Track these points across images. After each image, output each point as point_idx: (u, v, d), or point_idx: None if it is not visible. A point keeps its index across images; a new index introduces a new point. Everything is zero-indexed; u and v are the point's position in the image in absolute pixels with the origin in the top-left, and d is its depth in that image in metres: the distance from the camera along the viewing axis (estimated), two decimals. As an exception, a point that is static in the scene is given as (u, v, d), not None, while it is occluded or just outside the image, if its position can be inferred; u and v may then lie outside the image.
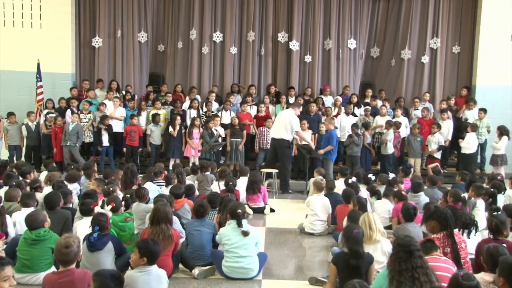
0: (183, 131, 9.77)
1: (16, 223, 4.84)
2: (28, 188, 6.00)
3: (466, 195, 5.89)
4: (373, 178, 6.99)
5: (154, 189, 6.28)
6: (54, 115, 9.81)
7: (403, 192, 5.96)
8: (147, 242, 3.65)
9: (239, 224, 4.47)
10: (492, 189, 5.95)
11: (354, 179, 6.57)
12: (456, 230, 4.04)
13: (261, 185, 7.11)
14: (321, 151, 8.74)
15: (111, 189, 5.68)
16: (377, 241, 4.07)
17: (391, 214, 5.91)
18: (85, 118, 9.81)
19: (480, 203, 5.62)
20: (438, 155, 9.54)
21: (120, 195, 5.56)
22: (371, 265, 3.72)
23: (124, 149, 9.71)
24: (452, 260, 3.72)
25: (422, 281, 3.05)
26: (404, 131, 9.81)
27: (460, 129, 9.83)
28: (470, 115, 10.11)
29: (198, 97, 10.91)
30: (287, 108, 9.80)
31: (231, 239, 4.44)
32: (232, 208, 4.65)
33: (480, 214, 5.47)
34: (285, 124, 8.40)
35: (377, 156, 9.98)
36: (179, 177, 6.76)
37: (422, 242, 3.63)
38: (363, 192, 6.38)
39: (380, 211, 6.02)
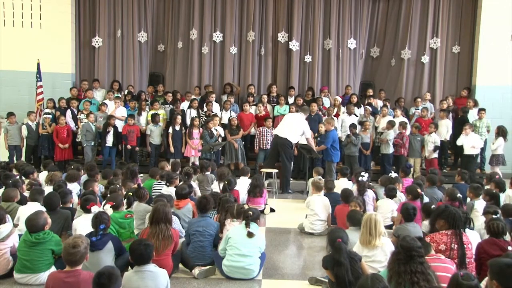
0: (183, 131, 9.77)
1: (21, 217, 4.88)
2: (24, 187, 6.01)
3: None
4: (366, 175, 6.64)
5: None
6: (49, 115, 9.81)
7: (418, 190, 5.82)
8: (133, 244, 3.65)
9: (247, 225, 4.50)
10: (494, 190, 5.94)
11: (365, 177, 6.45)
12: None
13: (263, 189, 7.10)
14: (316, 149, 8.73)
15: (118, 186, 5.71)
16: (376, 247, 4.04)
17: (393, 214, 5.90)
18: (85, 118, 9.80)
19: (479, 204, 5.61)
20: (435, 154, 9.53)
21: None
22: (360, 262, 3.72)
23: (129, 146, 9.65)
24: (458, 258, 3.72)
25: (422, 286, 3.04)
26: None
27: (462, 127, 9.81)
28: (470, 115, 10.11)
29: (198, 96, 10.92)
30: (289, 108, 9.98)
31: (235, 236, 4.46)
32: (244, 210, 4.72)
33: (479, 215, 5.46)
34: (296, 128, 8.42)
35: (374, 156, 9.98)
36: (185, 178, 6.76)
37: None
38: (369, 193, 6.33)
39: (383, 210, 6.02)
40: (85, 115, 9.81)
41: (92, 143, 9.45)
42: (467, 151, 9.27)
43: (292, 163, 9.03)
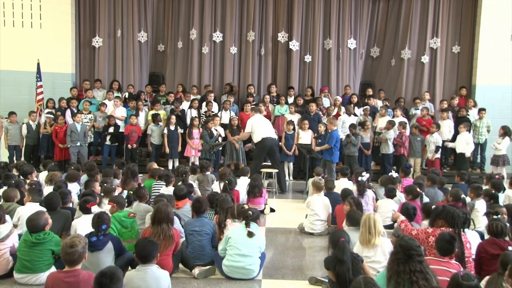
0: (179, 131, 9.77)
1: (20, 218, 4.90)
2: (26, 187, 6.00)
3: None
4: (366, 175, 6.61)
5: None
6: (52, 116, 9.82)
7: (418, 189, 5.84)
8: (140, 241, 3.70)
9: (247, 225, 4.51)
10: (493, 191, 5.95)
11: (365, 177, 6.45)
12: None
13: (262, 188, 7.10)
14: (317, 148, 8.72)
15: (113, 186, 5.70)
16: (376, 245, 4.04)
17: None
18: (85, 118, 9.80)
19: (479, 204, 5.62)
20: (437, 154, 9.53)
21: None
22: (362, 263, 3.74)
23: (130, 146, 9.59)
24: (456, 258, 3.73)
25: (421, 285, 3.04)
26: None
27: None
28: (470, 115, 10.11)
29: (198, 96, 10.91)
30: (289, 108, 10.16)
31: (235, 236, 4.47)
32: (243, 210, 4.73)
33: (479, 215, 5.47)
34: (272, 128, 8.71)
35: (374, 156, 10.00)
36: (183, 177, 6.75)
37: (439, 238, 3.60)
38: (369, 193, 6.32)
39: (383, 210, 6.02)
40: (85, 115, 9.81)
41: (78, 143, 9.32)
42: (458, 149, 9.34)
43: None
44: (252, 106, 9.47)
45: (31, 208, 4.89)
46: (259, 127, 8.44)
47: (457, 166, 9.25)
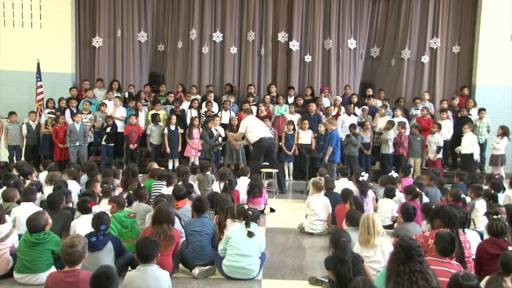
0: (180, 131, 9.76)
1: (16, 218, 4.89)
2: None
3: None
4: (366, 175, 6.61)
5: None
6: (53, 115, 9.82)
7: (417, 189, 5.86)
8: (141, 240, 3.71)
9: (247, 225, 4.51)
10: (492, 191, 5.95)
11: (365, 177, 6.45)
12: (460, 230, 4.07)
13: (262, 188, 7.10)
14: (326, 158, 8.53)
15: (111, 186, 5.70)
16: (375, 245, 4.04)
17: (393, 214, 5.90)
18: (85, 118, 9.80)
19: (479, 204, 5.62)
20: (439, 155, 9.52)
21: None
22: (363, 263, 3.75)
23: (132, 146, 9.57)
24: (456, 258, 3.73)
25: (420, 285, 3.04)
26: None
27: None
28: (472, 114, 10.10)
29: (199, 97, 10.92)
30: (289, 108, 10.16)
31: (235, 236, 4.46)
32: (243, 210, 4.74)
33: (479, 215, 5.47)
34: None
35: (375, 156, 9.99)
36: (183, 177, 6.75)
37: (439, 239, 3.59)
38: (369, 193, 6.31)
39: (383, 210, 6.02)
40: (85, 115, 9.81)
41: (77, 143, 9.32)
42: (463, 150, 9.27)
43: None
44: (244, 108, 9.39)
45: (25, 208, 4.90)
46: (255, 128, 8.42)
47: (462, 167, 9.14)
